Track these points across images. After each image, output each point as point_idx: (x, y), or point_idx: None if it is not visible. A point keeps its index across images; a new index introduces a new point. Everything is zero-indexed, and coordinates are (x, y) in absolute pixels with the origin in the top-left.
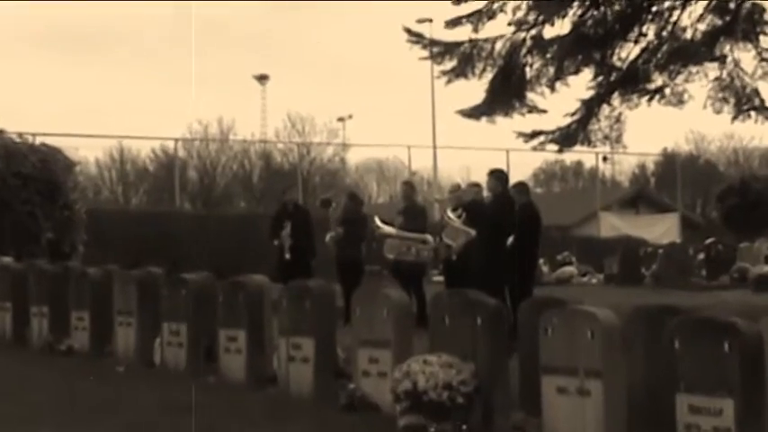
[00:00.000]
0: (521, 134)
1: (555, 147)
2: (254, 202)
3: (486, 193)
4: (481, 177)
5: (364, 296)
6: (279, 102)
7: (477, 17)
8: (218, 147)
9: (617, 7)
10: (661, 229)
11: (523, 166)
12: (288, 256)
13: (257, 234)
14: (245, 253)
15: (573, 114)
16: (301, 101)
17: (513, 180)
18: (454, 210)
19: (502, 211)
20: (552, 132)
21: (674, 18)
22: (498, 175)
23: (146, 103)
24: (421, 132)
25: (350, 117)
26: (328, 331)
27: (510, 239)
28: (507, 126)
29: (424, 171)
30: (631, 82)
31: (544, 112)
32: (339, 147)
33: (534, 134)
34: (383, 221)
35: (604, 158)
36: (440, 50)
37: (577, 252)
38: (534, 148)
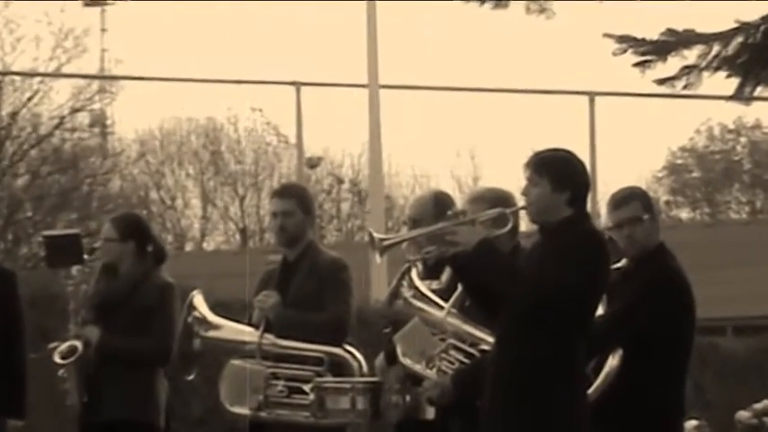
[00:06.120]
0: (624, 43)
1: (731, 81)
2: None
3: (522, 226)
4: (511, 179)
5: None
6: None
7: None
8: None
9: None
10: None
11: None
12: None
13: None
14: None
15: None
16: None
17: (608, 187)
18: (430, 273)
19: (570, 281)
20: (715, 38)
21: None
22: (561, 166)
23: None
24: (334, 53)
25: None
26: None
27: (612, 366)
28: (586, 28)
29: (344, 160)
30: None
31: None
32: (96, 83)
33: (667, 46)
34: (215, 311)
35: None
36: None
37: None
38: (663, 86)
